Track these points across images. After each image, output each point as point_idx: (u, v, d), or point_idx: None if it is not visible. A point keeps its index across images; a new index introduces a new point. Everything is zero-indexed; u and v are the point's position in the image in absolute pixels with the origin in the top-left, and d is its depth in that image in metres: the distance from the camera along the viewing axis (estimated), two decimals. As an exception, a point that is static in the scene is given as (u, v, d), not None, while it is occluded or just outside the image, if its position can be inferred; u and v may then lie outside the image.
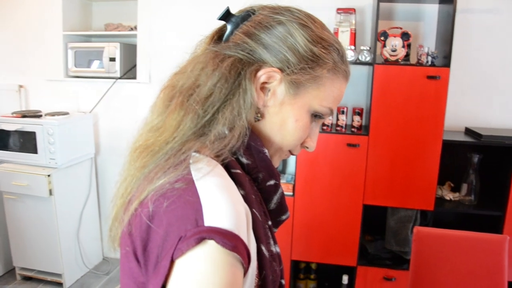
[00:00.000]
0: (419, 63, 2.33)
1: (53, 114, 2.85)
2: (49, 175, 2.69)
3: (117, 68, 2.95)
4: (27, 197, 2.77)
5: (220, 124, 0.65)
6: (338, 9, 2.50)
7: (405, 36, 2.33)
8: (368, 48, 2.38)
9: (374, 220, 2.65)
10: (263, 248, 0.64)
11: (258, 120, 0.72)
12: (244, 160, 0.70)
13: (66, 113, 2.92)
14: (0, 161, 2.86)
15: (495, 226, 2.37)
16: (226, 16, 0.73)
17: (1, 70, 3.33)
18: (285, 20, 0.70)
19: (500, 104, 2.62)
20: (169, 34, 2.99)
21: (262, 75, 0.69)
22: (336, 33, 2.48)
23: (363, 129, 2.52)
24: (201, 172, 0.60)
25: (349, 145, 2.40)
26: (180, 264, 0.52)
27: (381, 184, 2.43)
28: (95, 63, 3.00)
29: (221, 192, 0.57)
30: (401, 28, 2.37)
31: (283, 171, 2.92)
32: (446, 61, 2.27)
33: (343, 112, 2.47)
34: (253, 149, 0.71)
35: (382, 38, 2.35)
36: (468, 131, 2.56)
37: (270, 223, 0.72)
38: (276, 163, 0.78)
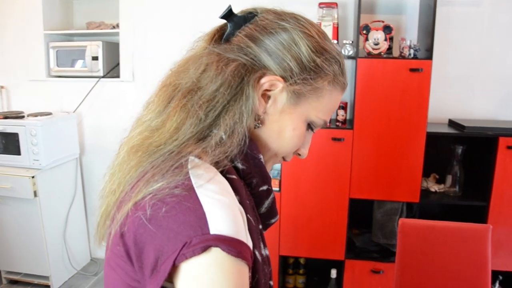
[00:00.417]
0: (401, 56, 2.34)
1: (36, 115, 2.81)
2: (33, 177, 2.65)
3: (100, 67, 2.92)
4: (11, 199, 2.73)
5: (221, 129, 0.65)
6: (320, 3, 2.50)
7: (387, 29, 2.33)
8: (351, 42, 2.39)
9: (361, 214, 2.66)
10: (256, 252, 0.65)
11: (259, 127, 0.72)
12: (239, 165, 0.70)
13: (49, 114, 2.88)
14: (-18, 164, 2.81)
15: (480, 216, 2.40)
16: (228, 15, 0.72)
17: (-18, 71, 3.28)
18: (290, 27, 0.70)
19: (482, 95, 2.64)
20: (151, 32, 2.97)
21: (265, 82, 0.69)
22: (319, 27, 2.47)
23: (348, 123, 2.53)
24: (201, 179, 0.60)
25: (334, 139, 2.41)
26: (186, 268, 0.53)
27: (366, 178, 2.44)
28: (78, 63, 2.97)
29: (223, 200, 0.58)
30: (383, 22, 2.38)
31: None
32: (428, 53, 2.29)
33: (327, 107, 2.47)
34: (248, 155, 0.71)
35: (364, 31, 2.35)
36: (452, 123, 2.58)
37: (260, 226, 0.73)
38: (269, 168, 0.78)
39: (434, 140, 2.40)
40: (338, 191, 2.47)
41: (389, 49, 2.41)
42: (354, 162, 2.42)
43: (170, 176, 0.60)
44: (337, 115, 2.51)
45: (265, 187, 0.74)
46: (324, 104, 0.73)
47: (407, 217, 2.53)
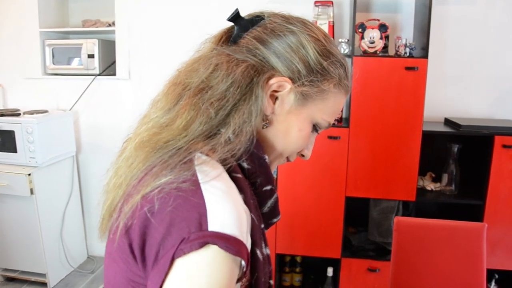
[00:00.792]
0: (397, 55, 2.35)
1: (32, 113, 2.80)
2: (29, 174, 2.65)
3: (96, 64, 2.92)
4: (7, 197, 2.73)
5: (230, 128, 0.67)
6: (316, 1, 2.49)
7: (382, 28, 2.33)
8: (346, 41, 2.38)
9: (357, 212, 2.66)
10: (258, 251, 0.66)
11: (266, 127, 0.74)
12: (245, 164, 0.71)
13: (45, 111, 2.88)
14: (-22, 162, 2.81)
15: (476, 215, 2.40)
16: (236, 18, 0.74)
17: (-22, 68, 3.27)
18: (297, 31, 0.72)
19: (478, 94, 2.64)
20: (147, 30, 2.96)
21: (274, 83, 0.71)
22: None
23: (344, 121, 2.53)
24: (207, 175, 0.61)
25: (330, 137, 2.41)
26: (179, 263, 0.54)
27: (363, 176, 2.44)
28: (74, 60, 2.97)
29: (226, 197, 0.59)
30: (378, 20, 2.37)
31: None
32: (424, 52, 2.29)
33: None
34: (254, 155, 0.72)
35: (360, 30, 2.35)
36: (448, 122, 2.58)
37: (262, 226, 0.74)
38: (273, 169, 0.79)
39: (430, 139, 2.40)
40: (334, 189, 2.47)
41: (385, 47, 2.41)
42: (350, 160, 2.42)
43: (178, 170, 0.61)
44: (333, 113, 2.50)
45: (268, 187, 0.75)
46: (329, 106, 0.75)
47: (403, 215, 2.53)
